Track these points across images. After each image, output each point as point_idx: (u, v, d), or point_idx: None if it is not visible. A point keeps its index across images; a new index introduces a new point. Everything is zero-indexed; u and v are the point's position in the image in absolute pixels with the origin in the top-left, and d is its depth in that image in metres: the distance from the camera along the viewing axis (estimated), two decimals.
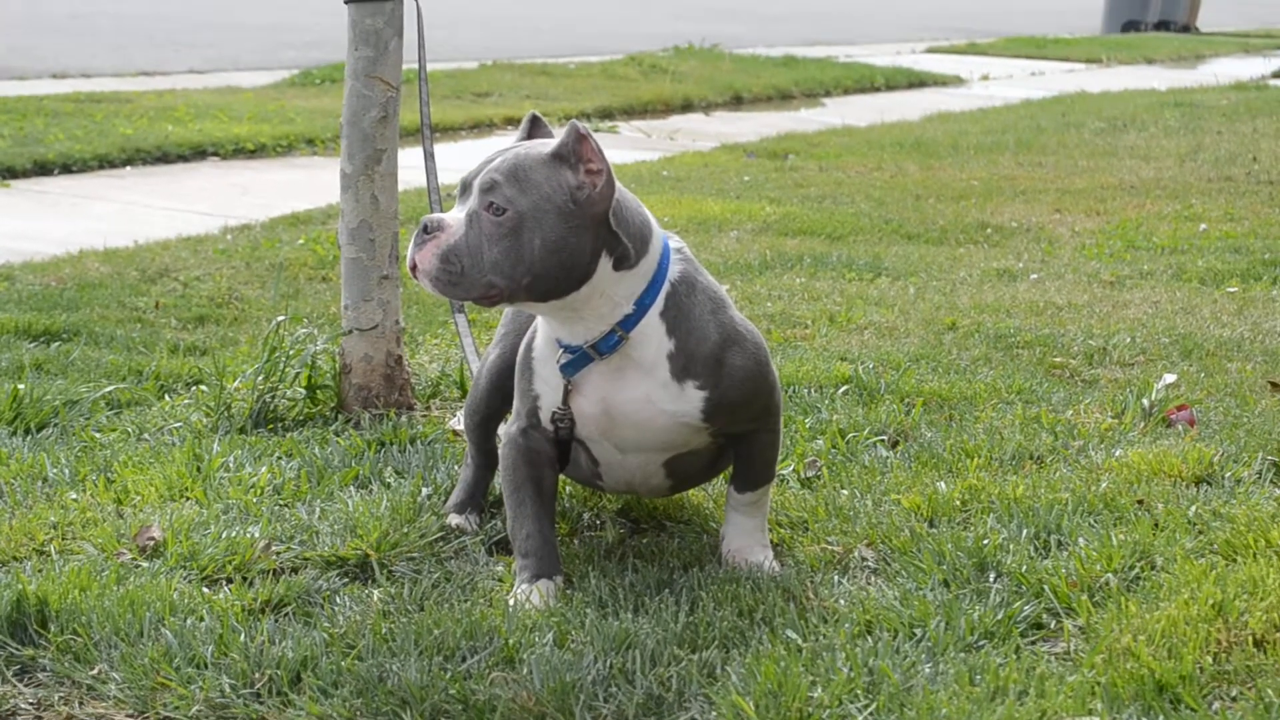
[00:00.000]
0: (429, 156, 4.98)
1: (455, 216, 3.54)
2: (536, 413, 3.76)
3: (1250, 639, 3.29)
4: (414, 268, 3.55)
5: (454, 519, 4.13)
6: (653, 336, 3.65)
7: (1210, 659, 3.22)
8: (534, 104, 14.62)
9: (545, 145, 3.59)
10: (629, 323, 3.63)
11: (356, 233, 5.01)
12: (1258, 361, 5.92)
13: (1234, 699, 3.11)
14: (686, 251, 3.75)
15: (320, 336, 5.22)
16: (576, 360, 3.67)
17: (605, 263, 3.58)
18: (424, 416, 5.09)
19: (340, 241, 5.06)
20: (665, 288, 3.66)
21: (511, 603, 3.57)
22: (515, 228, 3.49)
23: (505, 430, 3.86)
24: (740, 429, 3.78)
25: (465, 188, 3.57)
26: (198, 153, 11.42)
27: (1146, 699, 3.08)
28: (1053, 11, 38.77)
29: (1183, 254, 8.26)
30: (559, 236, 3.51)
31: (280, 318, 5.18)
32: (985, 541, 3.83)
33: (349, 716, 3.14)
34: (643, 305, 3.64)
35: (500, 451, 3.87)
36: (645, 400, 3.67)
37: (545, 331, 3.74)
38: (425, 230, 3.52)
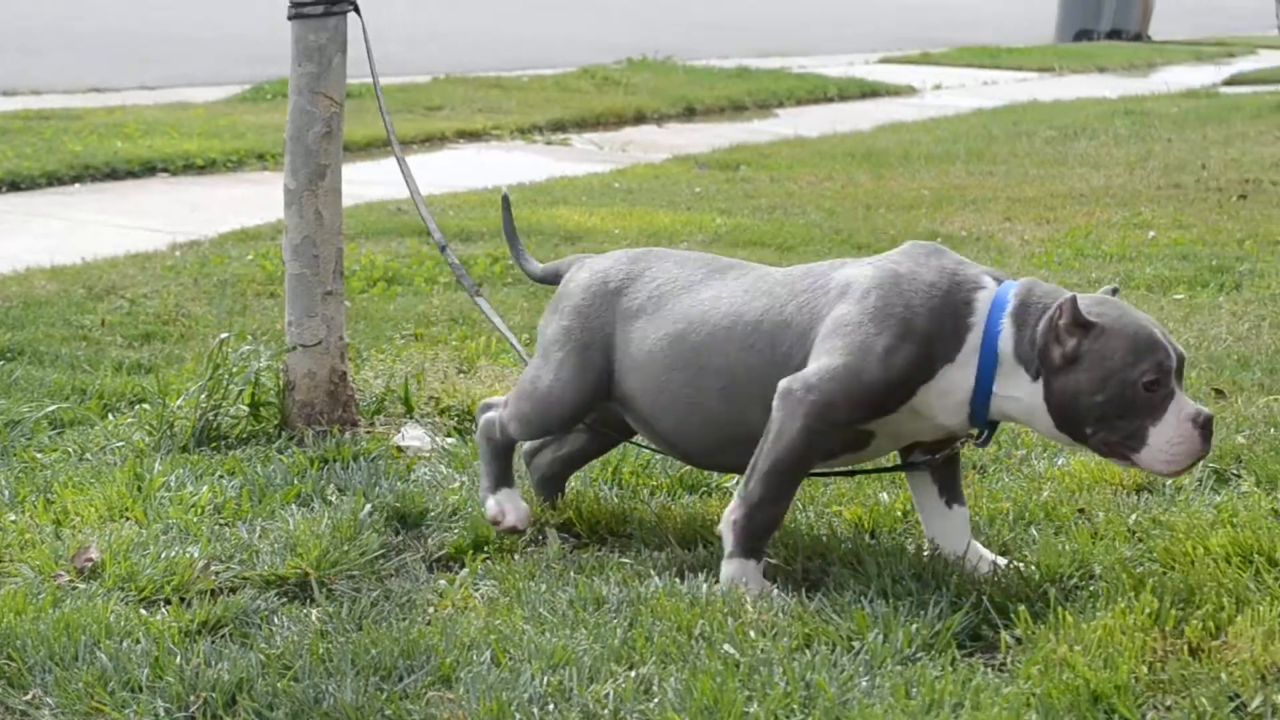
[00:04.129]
0: (402, 160, 4.98)
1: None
2: None
3: (1186, 648, 3.30)
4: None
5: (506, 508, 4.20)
6: None
7: (1146, 668, 3.22)
8: (486, 117, 14.59)
9: None
10: None
11: (300, 249, 4.99)
12: (1203, 368, 5.92)
13: (1169, 708, 3.12)
14: None
15: (265, 353, 5.20)
16: None
17: None
18: (368, 433, 5.07)
19: (284, 257, 5.04)
20: None
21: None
22: None
23: (802, 396, 3.71)
24: None
25: (1179, 371, 3.67)
26: (147, 169, 11.36)
27: (1081, 709, 3.08)
28: (1008, 21, 38.92)
29: (1131, 261, 8.27)
30: None
31: (223, 335, 5.16)
32: (925, 553, 3.83)
33: None
34: None
35: (801, 414, 3.71)
36: None
37: None
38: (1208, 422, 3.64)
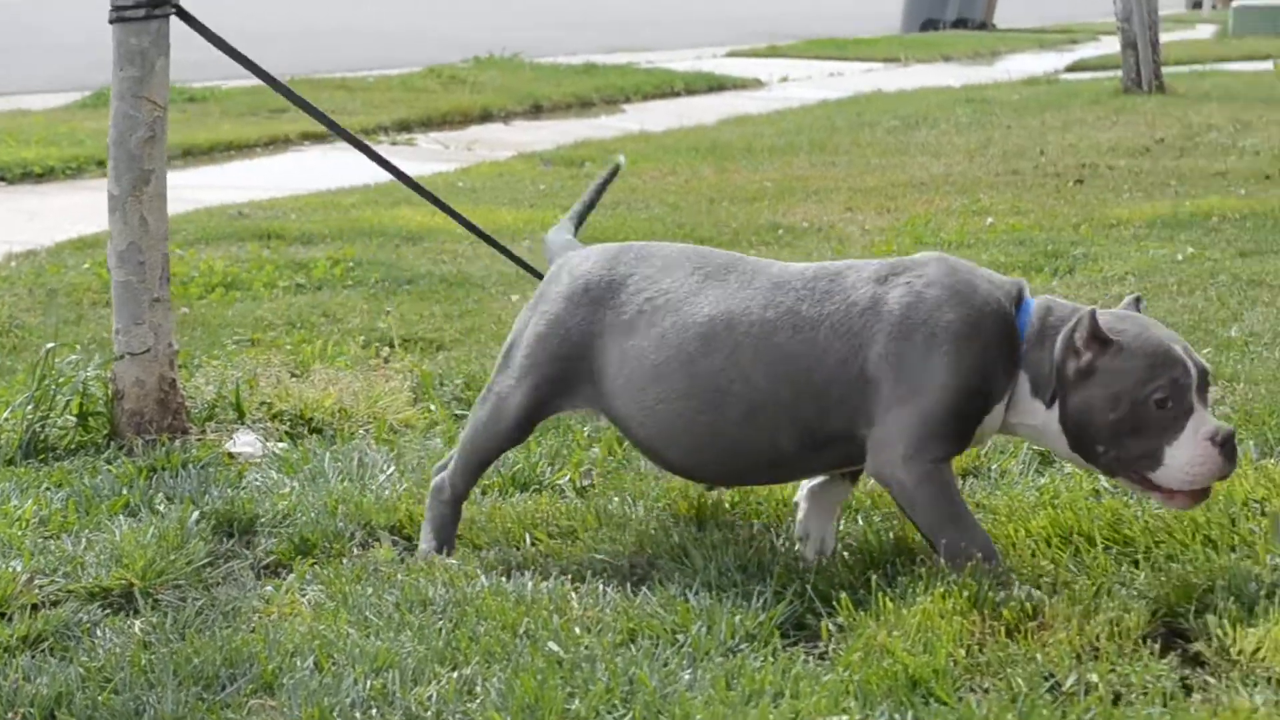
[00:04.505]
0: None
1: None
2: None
3: (1003, 630, 3.33)
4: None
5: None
6: None
7: (964, 651, 3.25)
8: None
9: None
10: None
11: (126, 255, 4.93)
12: None
13: (986, 690, 3.15)
14: None
15: (94, 362, 5.13)
16: None
17: None
18: (199, 440, 5.01)
19: (110, 265, 4.98)
20: None
21: None
22: None
23: (915, 463, 3.63)
24: None
25: (1200, 385, 3.58)
26: None
27: (899, 694, 3.10)
28: (856, 14, 39.21)
29: (969, 248, 8.36)
30: None
31: (50, 345, 5.08)
32: (752, 544, 3.84)
33: None
34: None
35: (927, 478, 3.63)
36: None
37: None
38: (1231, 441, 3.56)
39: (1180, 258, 7.98)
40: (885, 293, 3.71)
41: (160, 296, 4.96)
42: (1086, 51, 27.38)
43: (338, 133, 5.21)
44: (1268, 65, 20.44)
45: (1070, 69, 23.29)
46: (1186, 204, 9.63)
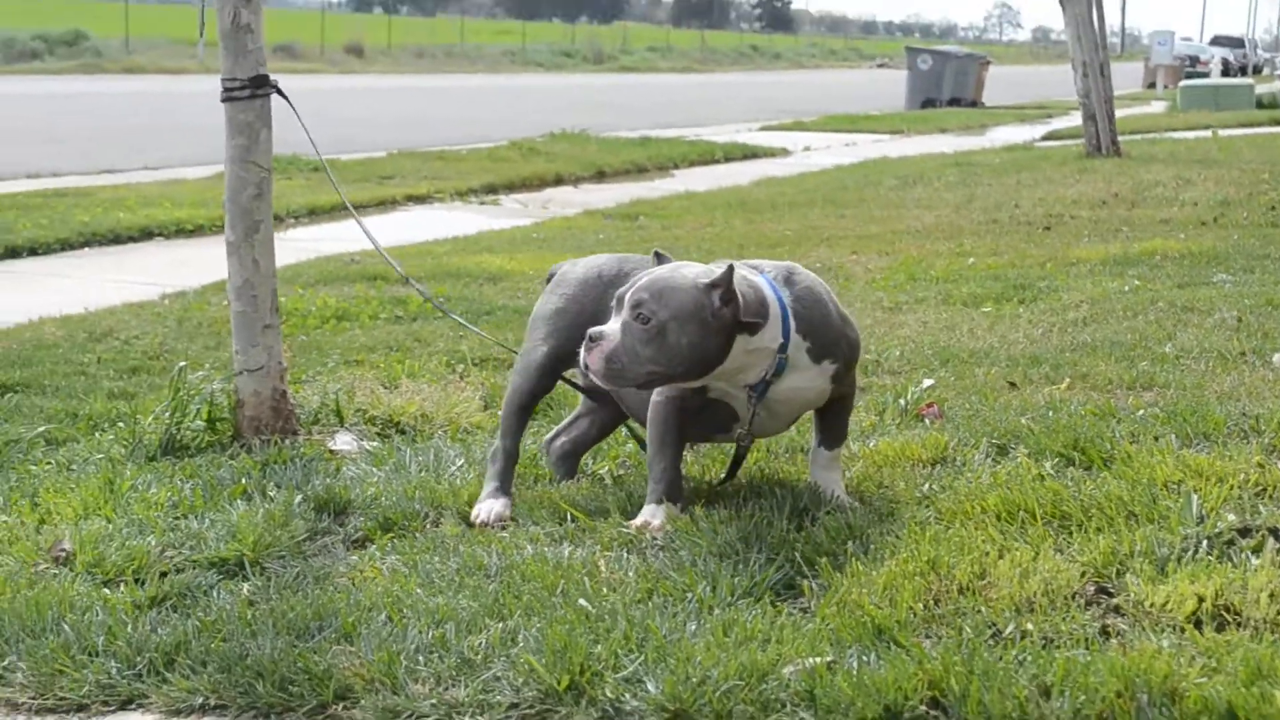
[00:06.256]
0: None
1: (612, 327, 3.78)
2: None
3: (956, 588, 3.31)
4: (587, 367, 3.80)
5: (495, 506, 4.10)
6: (799, 346, 3.89)
7: (921, 605, 3.24)
8: (430, 184, 14.55)
9: (688, 270, 3.82)
10: (783, 349, 3.88)
11: (241, 290, 4.96)
12: (1001, 366, 5.96)
13: (939, 637, 3.13)
14: (788, 270, 3.97)
15: (218, 377, 5.16)
16: (759, 389, 3.93)
17: (743, 340, 3.81)
18: (306, 440, 5.03)
19: (229, 298, 5.01)
20: (790, 312, 3.87)
21: (638, 522, 3.87)
22: (660, 332, 3.72)
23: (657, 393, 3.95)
24: (841, 390, 4.03)
25: (619, 301, 3.80)
26: (145, 234, 11.25)
27: (866, 640, 3.09)
28: (868, 96, 39.13)
29: (952, 283, 8.32)
30: (699, 339, 3.74)
31: (182, 364, 5.12)
32: (752, 520, 3.83)
33: (213, 689, 3.10)
34: (785, 333, 3.87)
35: (655, 402, 3.96)
36: (795, 386, 3.93)
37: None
38: (591, 339, 3.78)
39: (1128, 289, 7.92)
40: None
41: (270, 323, 4.98)
42: (1059, 124, 27.20)
43: (351, 210, 5.23)
44: (1207, 133, 20.26)
45: (1045, 138, 23.15)
46: (1135, 246, 9.56)
